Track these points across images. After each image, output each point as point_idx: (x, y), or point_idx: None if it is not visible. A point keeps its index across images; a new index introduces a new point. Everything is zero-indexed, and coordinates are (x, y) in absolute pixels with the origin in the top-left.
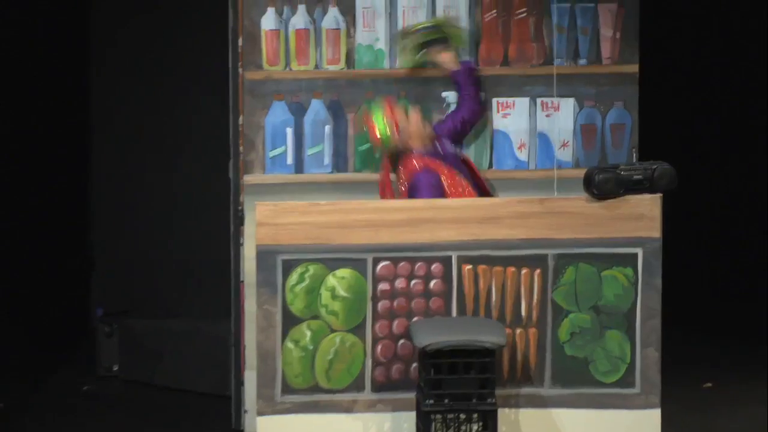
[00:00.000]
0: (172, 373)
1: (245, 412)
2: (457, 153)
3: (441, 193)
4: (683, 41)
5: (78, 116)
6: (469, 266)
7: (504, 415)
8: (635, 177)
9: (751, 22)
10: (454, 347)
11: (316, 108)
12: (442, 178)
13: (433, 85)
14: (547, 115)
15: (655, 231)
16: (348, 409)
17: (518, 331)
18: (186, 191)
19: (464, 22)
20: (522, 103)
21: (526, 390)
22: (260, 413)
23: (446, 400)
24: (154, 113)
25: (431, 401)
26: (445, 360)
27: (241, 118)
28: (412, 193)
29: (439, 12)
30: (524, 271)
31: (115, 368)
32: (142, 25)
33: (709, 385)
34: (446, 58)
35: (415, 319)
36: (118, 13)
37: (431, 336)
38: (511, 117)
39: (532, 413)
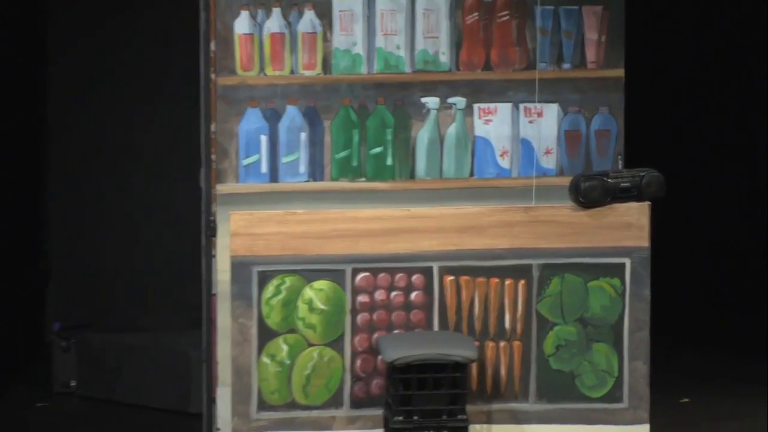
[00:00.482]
0: (133, 389)
1: (217, 430)
2: None
3: None
4: (670, 45)
5: (35, 119)
6: (451, 277)
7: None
8: (622, 184)
9: (742, 24)
10: (423, 362)
11: (292, 114)
12: None
13: (413, 91)
14: (531, 121)
15: (643, 240)
16: (326, 426)
17: (502, 344)
18: (151, 200)
19: (445, 24)
20: (504, 108)
21: (510, 405)
22: (235, 431)
23: (416, 417)
24: (119, 118)
25: (400, 418)
26: (414, 375)
27: (213, 125)
28: None
29: (419, 15)
30: (508, 281)
31: (73, 384)
32: (107, 27)
33: (687, 399)
34: None
35: (376, 334)
36: (79, 13)
37: (400, 350)
38: (493, 123)
39: (515, 429)
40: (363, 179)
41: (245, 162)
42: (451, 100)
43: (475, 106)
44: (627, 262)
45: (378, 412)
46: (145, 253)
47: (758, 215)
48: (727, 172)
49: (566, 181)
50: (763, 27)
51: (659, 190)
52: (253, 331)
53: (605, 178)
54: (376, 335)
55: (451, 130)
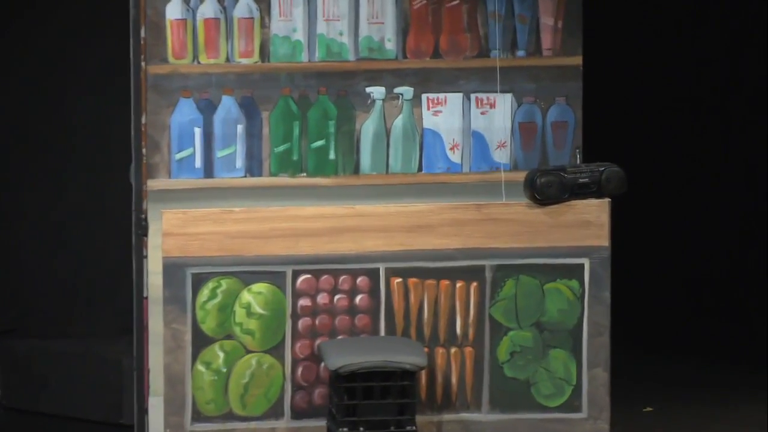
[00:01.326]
0: (61, 400)
1: None
2: None
3: None
4: (631, 30)
5: None
6: (399, 279)
7: None
8: (581, 180)
9: (708, 7)
10: (369, 369)
11: (228, 105)
12: None
13: (357, 80)
14: (483, 113)
15: (603, 239)
16: None
17: (453, 350)
18: (78, 197)
19: (391, 9)
20: (454, 99)
21: (462, 416)
22: None
23: (361, 428)
24: (42, 110)
25: (345, 429)
26: (359, 384)
27: (143, 117)
28: None
29: (363, 2)
30: (459, 284)
31: None
32: (28, 11)
33: (650, 408)
34: None
35: (318, 340)
36: None
37: (344, 357)
38: (442, 115)
39: None
40: (304, 174)
41: (178, 156)
42: (397, 90)
43: (424, 96)
44: (586, 262)
45: (321, 423)
46: (73, 254)
47: (725, 212)
48: (692, 166)
49: (521, 176)
50: (730, 9)
51: (620, 186)
52: (187, 337)
53: (562, 173)
54: (318, 341)
55: (398, 122)
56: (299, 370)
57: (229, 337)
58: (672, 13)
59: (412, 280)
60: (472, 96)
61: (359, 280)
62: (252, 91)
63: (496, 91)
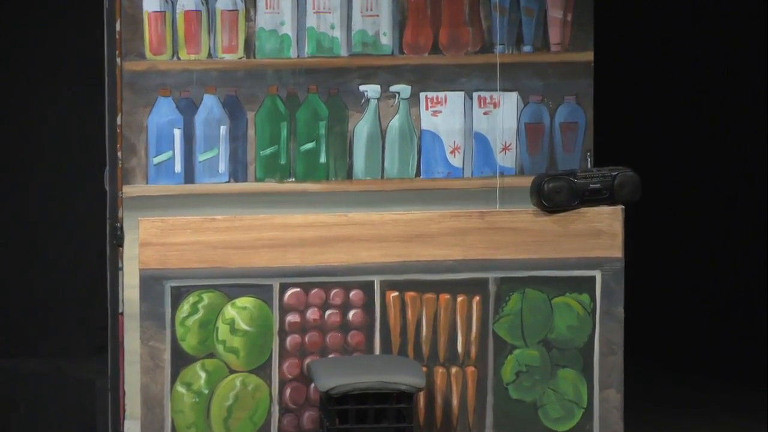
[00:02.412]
0: (30, 423)
1: None
2: None
3: None
4: (647, 23)
5: None
6: (395, 293)
7: None
8: (592, 186)
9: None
10: (363, 391)
11: (210, 105)
12: None
13: (349, 77)
14: (486, 113)
15: (615, 250)
16: None
17: (454, 370)
18: (48, 204)
19: (387, 1)
20: (455, 98)
21: None
22: None
23: None
24: (9, 110)
25: None
26: (352, 406)
27: (119, 118)
28: None
29: None
30: (460, 298)
31: None
32: None
33: None
34: None
35: (308, 359)
36: None
37: (336, 378)
38: (442, 115)
39: None
40: (292, 180)
41: (156, 160)
42: (393, 88)
43: (422, 95)
44: (597, 275)
45: None
46: (42, 266)
47: (750, 220)
48: (715, 170)
49: (527, 181)
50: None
51: (634, 192)
52: (166, 355)
53: (572, 179)
54: (308, 360)
55: (394, 123)
56: (287, 392)
57: (212, 355)
58: (691, 2)
59: (409, 294)
60: (474, 95)
61: (352, 294)
62: (236, 89)
63: (500, 90)
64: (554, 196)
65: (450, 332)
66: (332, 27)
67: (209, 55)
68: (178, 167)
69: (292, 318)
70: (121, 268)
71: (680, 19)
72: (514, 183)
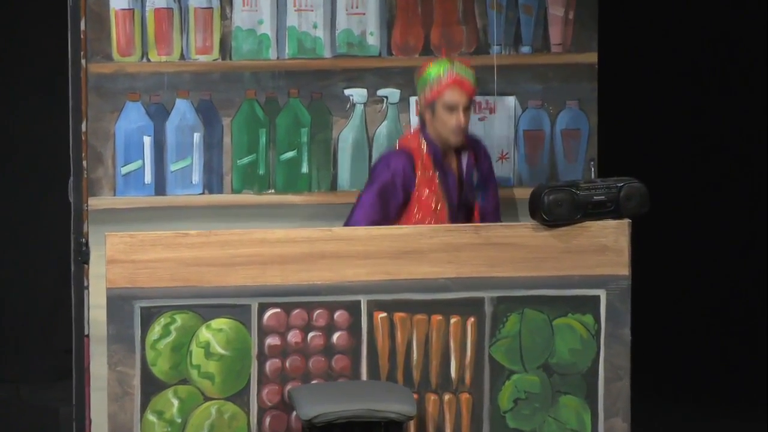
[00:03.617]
0: None
1: None
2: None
3: (389, 206)
4: (654, 24)
5: None
6: (383, 314)
7: None
8: (596, 198)
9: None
10: (349, 419)
11: (182, 110)
12: (417, 192)
13: (333, 80)
14: (481, 119)
15: (622, 267)
16: None
17: (447, 397)
18: (7, 218)
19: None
20: None
21: None
22: None
23: None
24: None
25: None
26: None
27: (84, 124)
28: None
29: None
30: (454, 319)
31: None
32: None
33: None
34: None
35: (289, 385)
36: None
37: (319, 405)
38: None
39: None
40: (272, 191)
41: (124, 170)
42: (381, 92)
43: (412, 99)
44: (602, 294)
45: None
46: (1, 284)
47: (759, 234)
48: (727, 182)
49: (526, 193)
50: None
51: (642, 205)
52: (136, 382)
53: (574, 190)
54: (289, 387)
55: (382, 130)
56: (267, 421)
57: (185, 381)
58: (702, 2)
59: (398, 315)
60: None
61: (337, 314)
62: (211, 93)
63: (497, 94)
64: (555, 208)
65: (443, 356)
66: (315, 26)
67: (182, 57)
68: (149, 178)
69: (271, 341)
70: (87, 287)
71: (692, 17)
72: (512, 195)
